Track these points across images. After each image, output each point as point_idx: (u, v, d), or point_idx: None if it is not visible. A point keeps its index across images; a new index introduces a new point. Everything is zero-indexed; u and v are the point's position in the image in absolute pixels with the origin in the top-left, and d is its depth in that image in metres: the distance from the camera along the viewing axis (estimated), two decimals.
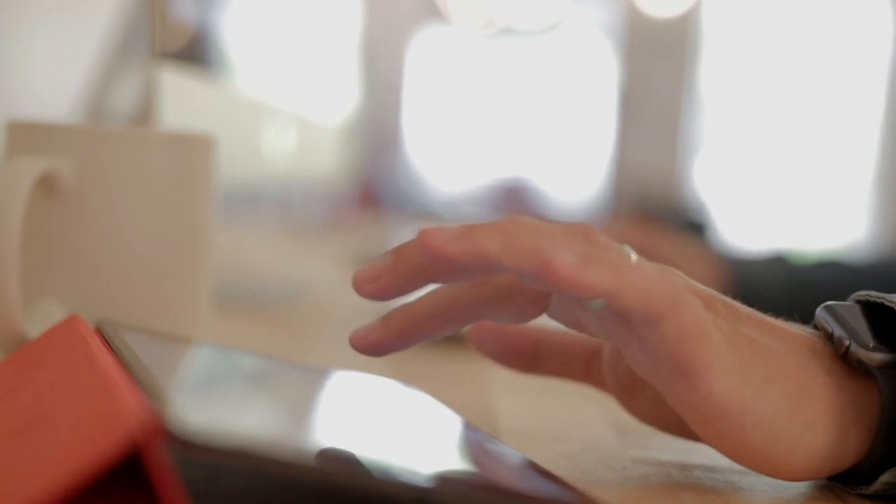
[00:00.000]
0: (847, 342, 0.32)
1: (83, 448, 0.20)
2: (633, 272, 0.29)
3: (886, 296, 0.32)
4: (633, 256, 0.31)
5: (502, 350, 0.38)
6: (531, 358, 0.38)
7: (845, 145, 4.68)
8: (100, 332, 0.34)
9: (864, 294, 0.33)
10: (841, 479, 0.33)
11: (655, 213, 3.54)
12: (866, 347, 0.31)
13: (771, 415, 0.30)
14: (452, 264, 0.29)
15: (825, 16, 4.64)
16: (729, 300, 0.33)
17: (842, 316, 0.33)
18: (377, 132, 5.02)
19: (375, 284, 0.31)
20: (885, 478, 0.31)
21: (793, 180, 4.75)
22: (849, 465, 0.32)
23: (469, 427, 0.34)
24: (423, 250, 0.29)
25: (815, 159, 4.73)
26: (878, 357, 0.31)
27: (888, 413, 0.31)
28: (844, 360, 0.32)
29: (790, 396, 0.31)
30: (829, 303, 0.34)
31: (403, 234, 1.46)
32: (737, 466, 0.36)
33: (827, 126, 4.70)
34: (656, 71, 4.75)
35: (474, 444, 0.31)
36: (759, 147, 4.77)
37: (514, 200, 5.10)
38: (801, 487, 0.34)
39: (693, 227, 3.48)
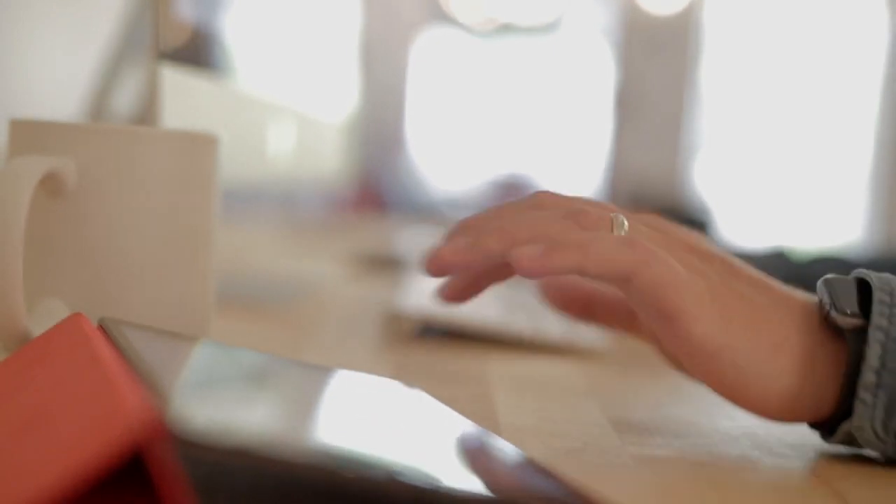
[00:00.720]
0: (828, 307, 0.36)
1: (84, 447, 0.20)
2: (596, 246, 0.35)
3: (875, 274, 0.37)
4: (621, 225, 0.37)
5: (561, 298, 0.46)
6: (585, 308, 0.46)
7: (843, 146, 4.69)
8: (103, 331, 0.34)
9: (862, 271, 0.37)
10: (820, 430, 0.38)
11: (654, 210, 3.54)
12: (844, 313, 0.36)
13: (748, 357, 0.36)
14: (460, 268, 0.37)
15: (823, 17, 4.65)
16: (729, 258, 0.39)
17: (834, 286, 0.37)
18: (379, 131, 5.02)
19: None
20: (844, 427, 0.36)
21: (791, 179, 4.75)
22: (827, 416, 0.37)
23: (469, 425, 0.34)
24: (432, 266, 0.37)
25: (813, 159, 4.74)
26: (851, 321, 0.36)
27: (852, 370, 0.36)
28: (827, 324, 0.37)
29: (769, 344, 0.36)
30: (829, 276, 0.38)
31: (405, 232, 1.47)
32: (737, 464, 0.36)
33: (824, 126, 4.71)
34: (655, 68, 4.75)
35: (474, 442, 0.31)
36: (757, 146, 4.77)
37: (514, 197, 5.10)
38: (799, 485, 0.34)
39: (694, 224, 3.48)
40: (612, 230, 0.37)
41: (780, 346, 0.36)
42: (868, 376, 0.35)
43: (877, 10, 4.54)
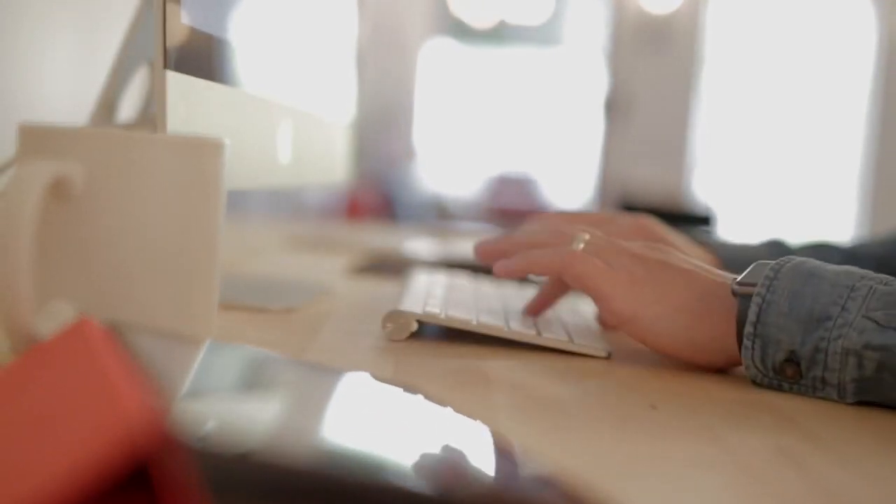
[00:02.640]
0: (733, 283, 0.50)
1: (86, 450, 0.21)
2: (537, 257, 0.55)
3: (798, 259, 0.49)
4: (579, 240, 0.55)
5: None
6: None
7: (837, 149, 4.71)
8: (110, 334, 0.34)
9: (789, 257, 0.50)
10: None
11: (652, 207, 3.54)
12: (742, 285, 0.49)
13: (655, 317, 0.51)
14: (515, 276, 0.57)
15: (817, 20, 4.66)
16: (662, 257, 0.53)
17: (754, 266, 0.50)
18: (383, 134, 5.01)
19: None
20: (751, 372, 0.49)
21: (786, 178, 4.77)
22: (738, 362, 0.50)
23: (469, 425, 0.34)
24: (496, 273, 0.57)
25: (806, 158, 4.76)
26: (743, 290, 0.49)
27: (741, 325, 0.49)
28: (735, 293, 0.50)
29: (672, 307, 0.51)
30: (761, 260, 0.50)
31: (407, 234, 1.47)
32: (735, 464, 0.36)
33: (818, 126, 4.73)
34: (652, 67, 4.74)
35: (474, 443, 0.31)
36: (753, 144, 4.78)
37: (515, 195, 5.12)
38: (795, 485, 0.34)
39: (696, 221, 3.48)
40: (571, 244, 0.55)
41: (681, 308, 0.51)
42: (748, 328, 0.48)
43: (866, 13, 4.56)
